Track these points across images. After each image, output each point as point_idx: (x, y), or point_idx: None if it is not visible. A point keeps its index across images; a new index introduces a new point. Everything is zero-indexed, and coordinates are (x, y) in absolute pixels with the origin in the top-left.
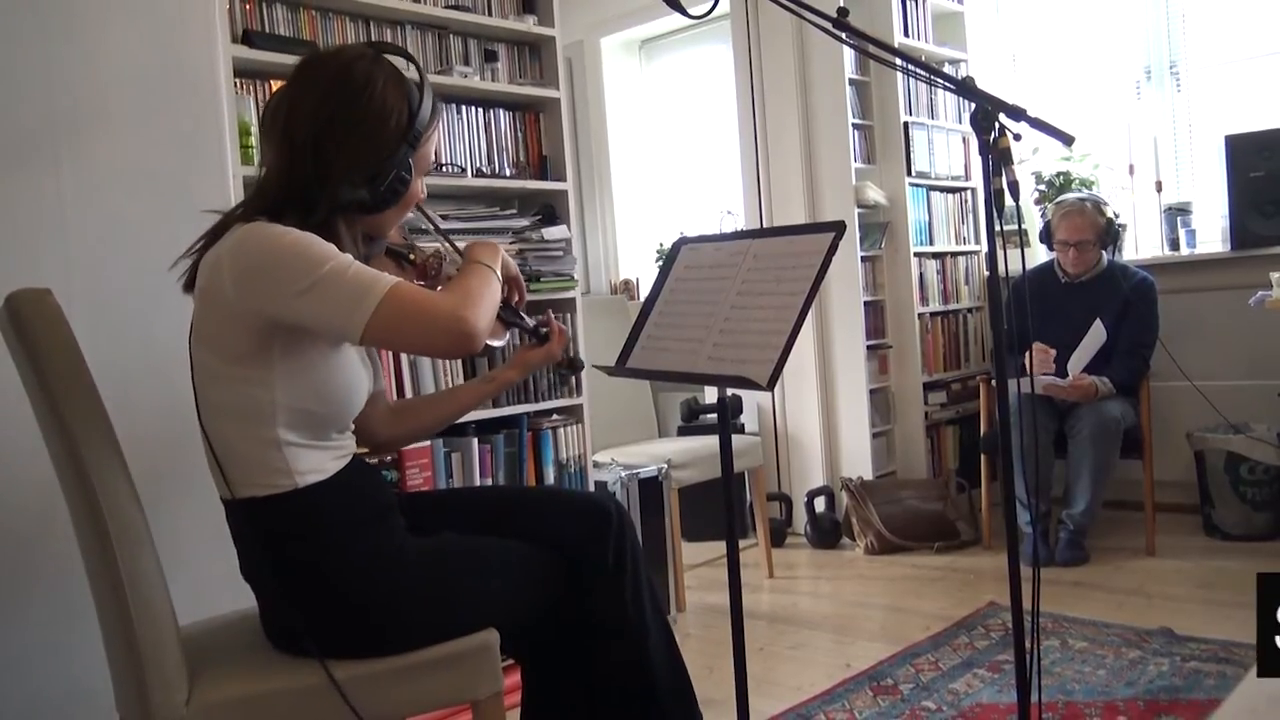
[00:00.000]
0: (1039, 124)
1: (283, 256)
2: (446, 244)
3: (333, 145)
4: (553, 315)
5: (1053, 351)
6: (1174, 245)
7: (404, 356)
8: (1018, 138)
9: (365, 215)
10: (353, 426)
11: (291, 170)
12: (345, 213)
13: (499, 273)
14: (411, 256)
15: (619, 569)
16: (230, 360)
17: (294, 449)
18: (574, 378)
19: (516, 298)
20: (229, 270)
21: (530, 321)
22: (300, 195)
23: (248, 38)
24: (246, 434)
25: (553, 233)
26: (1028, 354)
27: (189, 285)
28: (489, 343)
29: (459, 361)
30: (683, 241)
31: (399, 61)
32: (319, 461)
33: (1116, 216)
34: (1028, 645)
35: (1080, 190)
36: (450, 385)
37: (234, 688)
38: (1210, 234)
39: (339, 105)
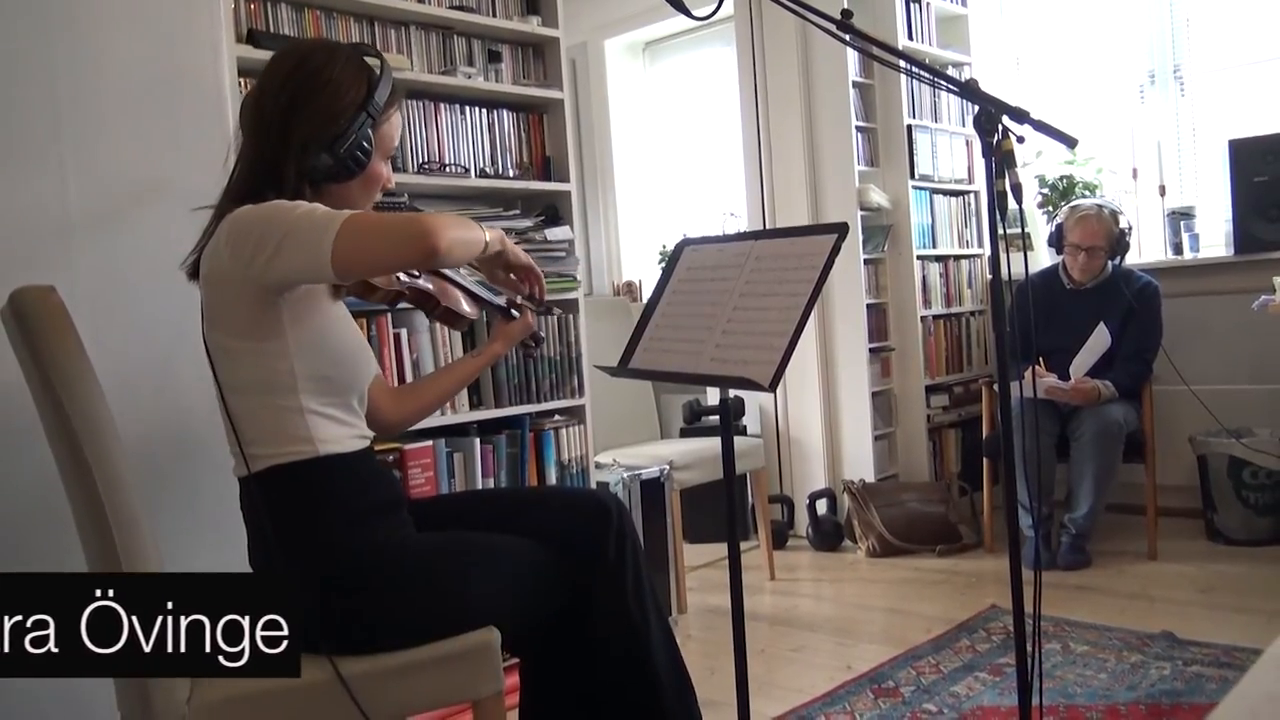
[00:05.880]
0: (1042, 127)
1: (261, 218)
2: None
3: (296, 118)
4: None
5: (1053, 375)
6: (1177, 249)
7: (404, 337)
8: (1021, 140)
9: (330, 184)
10: (365, 404)
11: (263, 149)
12: (313, 181)
13: (488, 236)
14: None
15: (619, 564)
16: (245, 336)
17: (316, 417)
18: (576, 379)
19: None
20: (226, 247)
21: (501, 300)
22: (273, 171)
23: (252, 37)
24: (269, 404)
25: (555, 234)
26: (1030, 370)
27: (194, 274)
28: (465, 312)
29: (458, 338)
30: (685, 243)
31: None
32: (339, 435)
33: (1129, 229)
34: (1029, 648)
35: (1086, 195)
36: (449, 361)
37: (236, 685)
38: (1213, 238)
39: (301, 82)
